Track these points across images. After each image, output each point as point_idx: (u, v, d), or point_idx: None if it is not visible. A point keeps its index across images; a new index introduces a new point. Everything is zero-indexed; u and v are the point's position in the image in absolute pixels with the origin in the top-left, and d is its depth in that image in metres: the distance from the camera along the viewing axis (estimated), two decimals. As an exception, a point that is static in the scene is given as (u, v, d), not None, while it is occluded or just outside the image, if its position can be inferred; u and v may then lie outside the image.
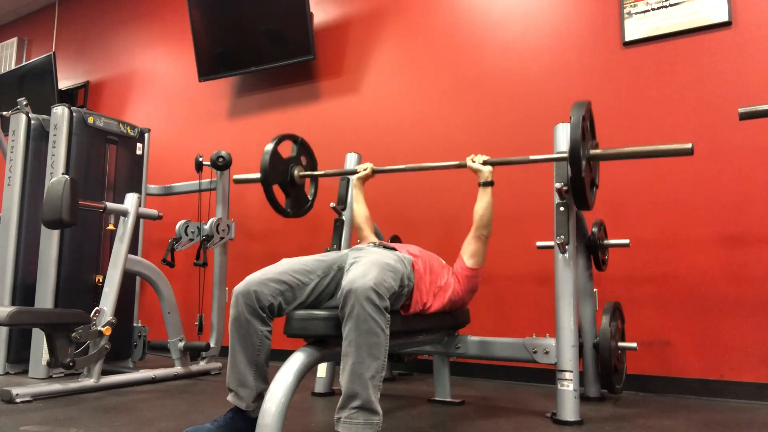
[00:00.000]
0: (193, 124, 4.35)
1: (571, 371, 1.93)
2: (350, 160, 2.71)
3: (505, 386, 2.77)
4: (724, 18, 2.59)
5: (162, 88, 4.59)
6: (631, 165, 2.71)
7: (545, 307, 2.60)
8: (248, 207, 3.84)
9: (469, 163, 2.16)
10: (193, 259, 3.01)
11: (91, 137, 3.01)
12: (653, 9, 2.75)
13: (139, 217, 2.75)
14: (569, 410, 1.92)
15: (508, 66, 3.11)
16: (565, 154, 1.94)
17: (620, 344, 2.33)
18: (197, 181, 3.36)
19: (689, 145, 1.82)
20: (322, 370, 2.48)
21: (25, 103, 3.12)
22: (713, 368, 2.46)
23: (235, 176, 2.66)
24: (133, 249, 2.84)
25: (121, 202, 2.70)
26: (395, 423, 1.94)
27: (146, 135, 3.37)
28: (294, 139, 2.56)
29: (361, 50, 3.63)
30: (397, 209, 3.30)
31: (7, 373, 2.87)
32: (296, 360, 1.51)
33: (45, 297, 2.74)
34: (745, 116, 2.05)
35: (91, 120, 3.00)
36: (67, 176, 2.28)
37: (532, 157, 2.09)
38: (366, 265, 1.56)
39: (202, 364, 3.04)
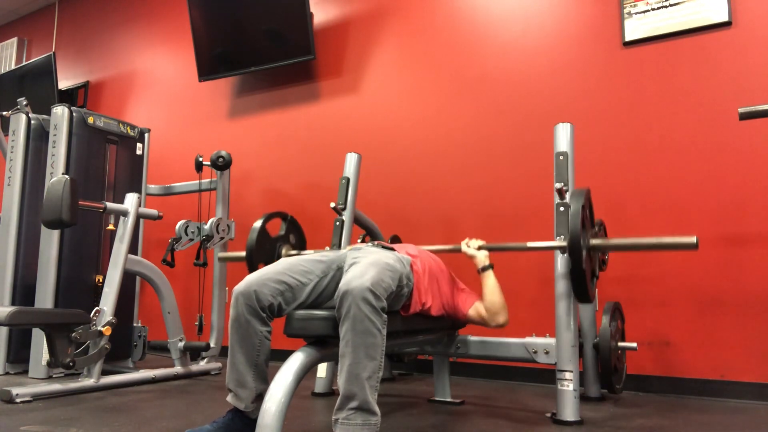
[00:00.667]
0: (193, 124, 4.35)
1: (571, 371, 1.93)
2: (350, 160, 2.71)
3: (505, 386, 2.77)
4: (724, 18, 2.59)
5: (162, 88, 4.59)
6: (631, 165, 2.72)
7: (545, 307, 2.59)
8: (248, 207, 3.84)
9: (464, 248, 2.12)
10: (193, 259, 3.01)
11: (91, 137, 3.01)
12: (653, 9, 2.75)
13: (139, 217, 2.75)
14: (569, 410, 1.92)
15: (508, 66, 3.11)
16: (564, 243, 1.90)
17: (620, 344, 2.34)
18: (197, 181, 3.36)
19: (693, 239, 1.81)
20: (322, 370, 2.48)
21: (25, 103, 3.12)
22: (713, 368, 2.46)
23: (220, 254, 2.59)
24: (133, 249, 2.84)
25: (121, 202, 2.70)
26: (395, 423, 1.94)
27: (146, 135, 3.37)
28: (284, 216, 2.49)
29: (361, 50, 3.62)
30: (397, 209, 3.30)
31: (7, 373, 2.87)
32: (296, 360, 1.51)
33: (45, 297, 2.74)
34: (745, 116, 2.06)
35: (91, 120, 3.00)
36: (67, 176, 2.28)
37: (529, 244, 2.04)
38: (364, 266, 1.56)
39: (202, 364, 3.04)
